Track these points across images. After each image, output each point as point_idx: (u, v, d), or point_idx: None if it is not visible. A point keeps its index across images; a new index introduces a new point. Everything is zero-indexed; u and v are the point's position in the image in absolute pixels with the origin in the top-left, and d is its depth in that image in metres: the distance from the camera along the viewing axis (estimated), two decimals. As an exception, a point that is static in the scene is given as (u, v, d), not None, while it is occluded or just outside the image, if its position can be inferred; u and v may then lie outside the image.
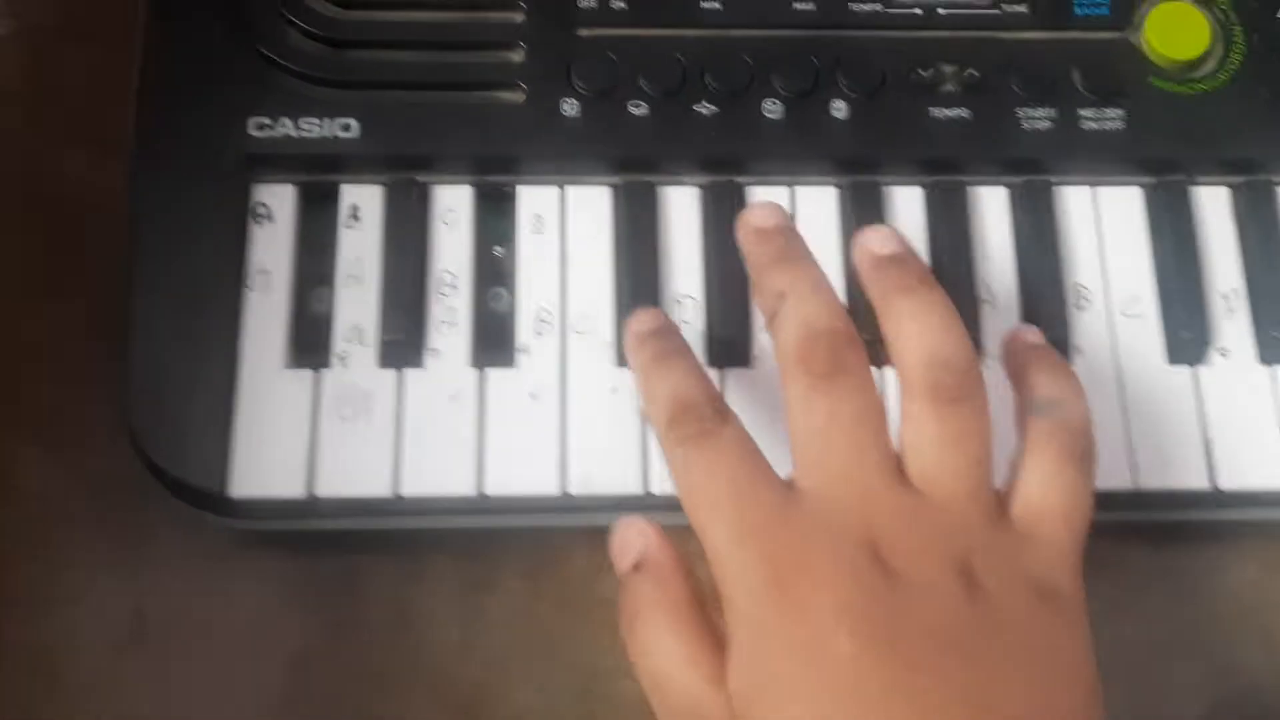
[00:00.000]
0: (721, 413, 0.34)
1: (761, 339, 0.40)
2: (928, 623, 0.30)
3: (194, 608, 0.41)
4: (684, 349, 0.36)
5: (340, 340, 0.39)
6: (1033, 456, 0.34)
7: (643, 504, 0.39)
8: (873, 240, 0.37)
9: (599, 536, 0.42)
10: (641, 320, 0.38)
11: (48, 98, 0.46)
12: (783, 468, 0.34)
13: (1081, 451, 0.34)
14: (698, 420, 0.33)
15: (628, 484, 0.39)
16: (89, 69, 0.46)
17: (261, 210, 0.41)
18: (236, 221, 0.40)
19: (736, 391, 0.40)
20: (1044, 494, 0.33)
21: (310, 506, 0.38)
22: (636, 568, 0.34)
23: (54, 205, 0.45)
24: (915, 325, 0.34)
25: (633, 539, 0.34)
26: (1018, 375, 0.37)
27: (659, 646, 0.33)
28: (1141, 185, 0.43)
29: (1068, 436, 0.34)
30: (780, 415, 0.39)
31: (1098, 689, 0.31)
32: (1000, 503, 0.33)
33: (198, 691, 0.40)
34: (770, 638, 0.31)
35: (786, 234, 0.37)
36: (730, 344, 0.40)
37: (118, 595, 0.41)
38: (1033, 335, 0.38)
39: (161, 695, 0.40)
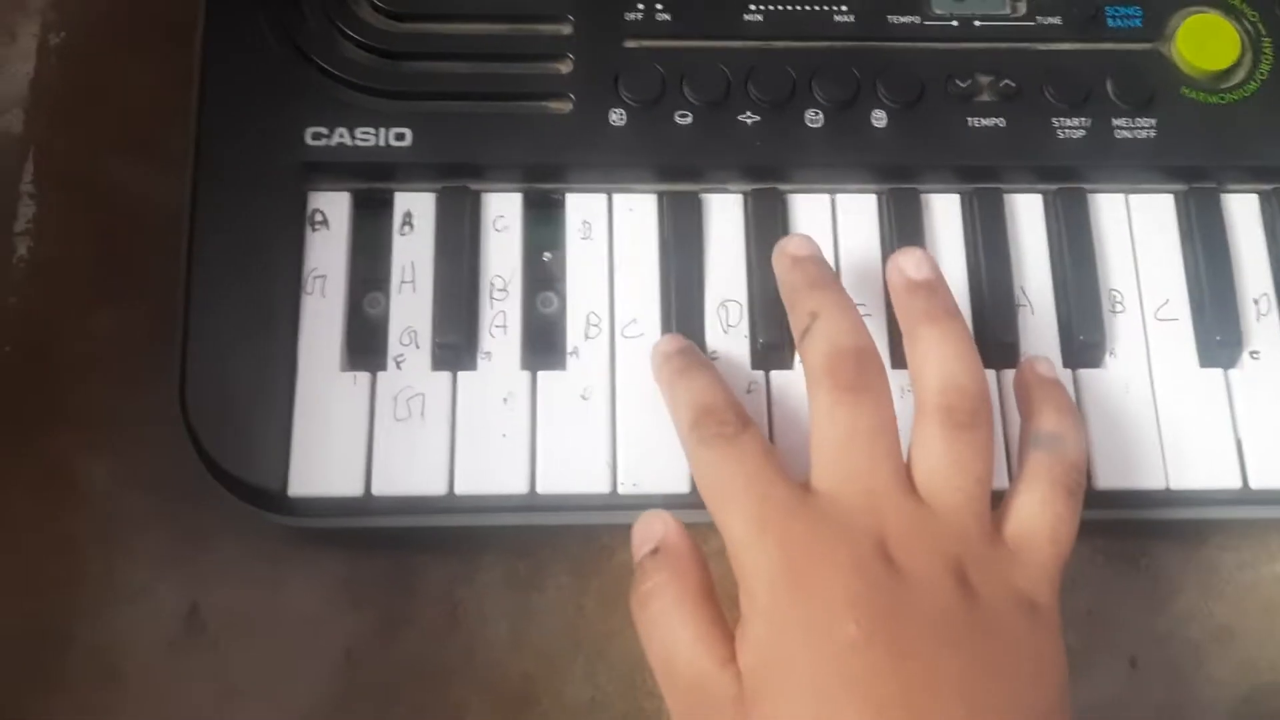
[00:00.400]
0: (741, 418, 0.37)
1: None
2: (926, 616, 0.33)
3: (249, 605, 0.42)
4: (706, 363, 0.40)
5: (395, 343, 0.41)
6: (1029, 484, 0.37)
7: (688, 502, 0.40)
8: (908, 264, 0.39)
9: (646, 535, 0.43)
10: (667, 342, 0.40)
11: (99, 107, 0.47)
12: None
13: (1072, 485, 0.37)
14: (718, 424, 0.36)
15: (674, 483, 0.40)
16: (141, 78, 0.47)
17: (318, 217, 0.42)
18: (294, 228, 0.41)
19: (779, 392, 0.41)
20: (1035, 519, 0.36)
21: (366, 505, 0.39)
22: (654, 553, 0.36)
23: (109, 212, 0.46)
24: (937, 353, 0.37)
25: (653, 527, 0.37)
26: (1025, 403, 0.39)
27: (669, 626, 0.35)
28: (1173, 192, 0.44)
29: (1062, 471, 0.37)
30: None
31: (1067, 692, 0.34)
32: (995, 520, 0.36)
33: (252, 687, 0.41)
34: (783, 621, 0.33)
35: (818, 262, 0.40)
36: (773, 347, 0.41)
37: (175, 593, 0.42)
38: (1044, 367, 0.40)
39: (217, 690, 0.41)
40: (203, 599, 0.42)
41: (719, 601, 0.36)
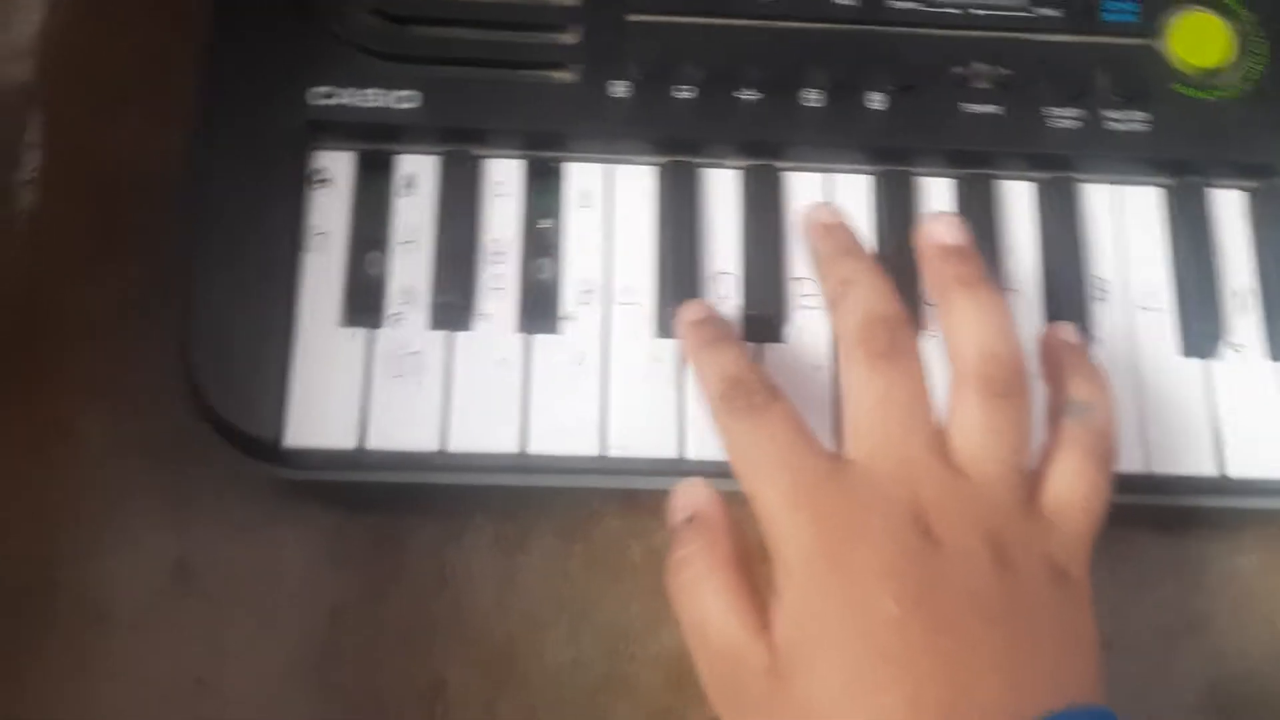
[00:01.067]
0: (770, 389, 0.36)
1: (796, 317, 0.42)
2: (963, 589, 0.33)
3: (238, 559, 0.42)
4: (732, 334, 0.40)
5: (394, 302, 0.41)
6: (1062, 453, 0.36)
7: (677, 468, 0.40)
8: (939, 229, 0.40)
9: (633, 499, 0.44)
10: (692, 310, 0.40)
11: (107, 58, 0.47)
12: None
13: (1104, 453, 0.37)
14: (747, 394, 0.36)
15: (664, 448, 0.40)
16: (151, 31, 0.47)
17: (321, 175, 0.42)
18: (296, 185, 0.42)
19: (770, 365, 0.41)
20: (1070, 488, 0.36)
21: (360, 458, 0.40)
22: (688, 521, 0.36)
23: (109, 169, 0.46)
24: (973, 319, 0.37)
25: (689, 495, 0.37)
26: (1052, 371, 0.39)
27: (703, 594, 0.35)
28: (1162, 186, 0.45)
29: (1094, 439, 0.37)
30: (810, 388, 0.41)
31: (1098, 662, 0.34)
32: (1030, 490, 0.36)
33: (237, 639, 0.42)
34: (818, 593, 0.33)
35: (849, 230, 0.40)
36: (765, 321, 0.42)
37: (164, 545, 0.42)
38: (1069, 333, 0.40)
39: (203, 641, 0.42)
40: (191, 552, 0.42)
41: (754, 571, 0.35)
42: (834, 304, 0.38)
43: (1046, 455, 0.37)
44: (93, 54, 0.48)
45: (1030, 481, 0.36)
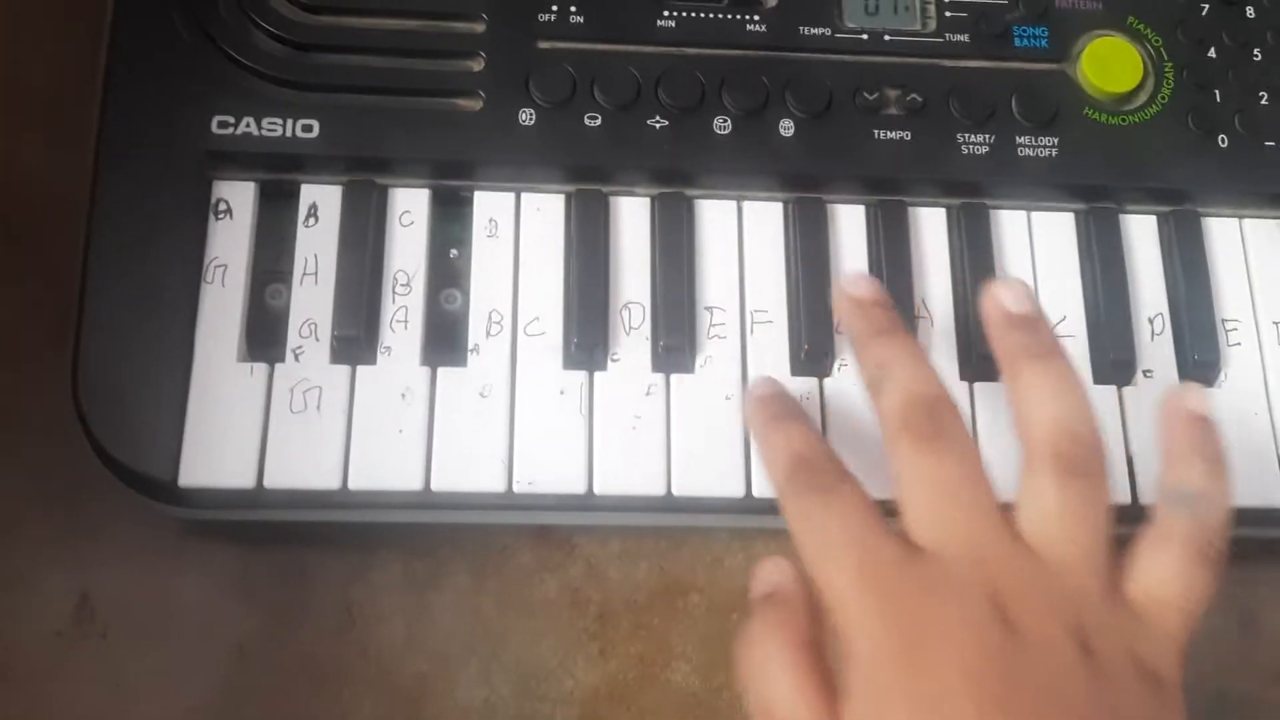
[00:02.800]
0: (839, 469, 0.35)
1: (707, 347, 0.42)
2: (1045, 684, 0.30)
3: (140, 597, 0.41)
4: (801, 412, 0.39)
5: (294, 335, 0.40)
6: (1162, 544, 0.34)
7: (585, 503, 0.40)
8: (1006, 296, 0.38)
9: (546, 534, 0.43)
10: (761, 386, 0.40)
11: (8, 84, 0.47)
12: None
13: (1209, 550, 0.34)
14: (817, 474, 0.35)
15: (573, 483, 0.40)
16: (49, 58, 0.47)
17: (222, 206, 0.42)
18: (196, 216, 0.41)
19: (679, 397, 0.41)
20: (1165, 585, 0.33)
21: (258, 497, 0.39)
22: (767, 598, 0.35)
23: (12, 192, 0.45)
24: (1045, 394, 0.35)
25: (771, 572, 0.35)
26: (1170, 442, 0.36)
27: (772, 674, 0.33)
28: (1073, 211, 0.45)
29: (1202, 536, 0.34)
30: (722, 419, 0.41)
31: None
32: (1116, 577, 0.33)
33: (140, 680, 0.41)
34: (892, 689, 0.31)
35: (885, 306, 0.38)
36: (676, 351, 0.41)
37: (64, 582, 0.41)
38: (1197, 401, 0.37)
39: (104, 682, 0.41)
40: (93, 589, 0.41)
41: (827, 658, 0.33)
42: (872, 388, 0.37)
43: (1142, 541, 0.34)
44: (4, 76, 0.47)
45: (1115, 569, 0.33)
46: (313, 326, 0.40)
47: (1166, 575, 0.33)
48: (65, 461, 0.41)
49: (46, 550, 0.42)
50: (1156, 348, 0.43)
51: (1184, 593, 0.33)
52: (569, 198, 0.43)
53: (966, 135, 0.44)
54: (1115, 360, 0.42)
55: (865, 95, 0.44)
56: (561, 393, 0.40)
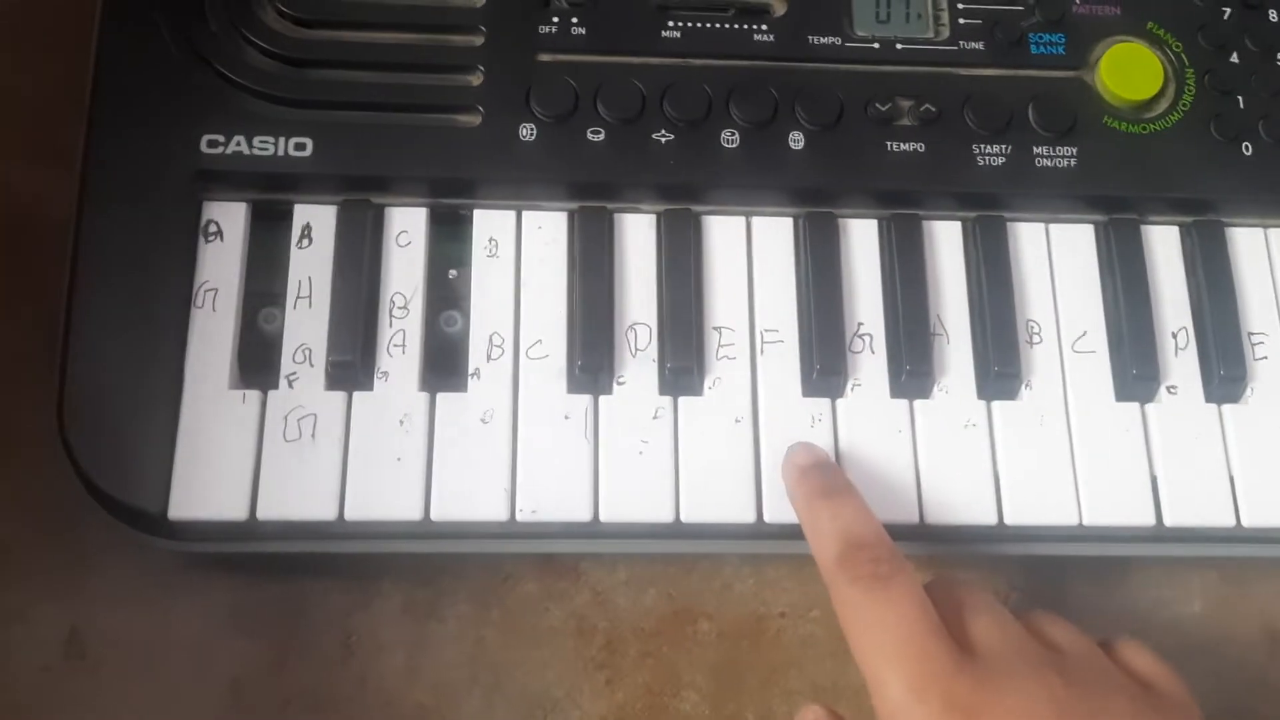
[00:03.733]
0: (895, 556, 0.35)
1: (715, 368, 0.40)
2: None
3: (131, 630, 0.40)
4: (851, 486, 0.38)
5: (288, 361, 0.39)
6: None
7: (591, 531, 0.39)
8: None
9: (551, 562, 0.42)
10: (802, 454, 0.39)
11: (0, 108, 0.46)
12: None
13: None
14: (872, 562, 0.35)
15: (577, 511, 0.38)
16: (43, 81, 0.46)
17: (212, 228, 0.40)
18: (186, 238, 0.40)
19: (687, 420, 0.40)
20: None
21: (251, 529, 0.38)
22: None
23: (4, 216, 0.44)
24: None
25: (805, 715, 0.36)
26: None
27: None
28: (1093, 223, 0.43)
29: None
30: (731, 443, 0.39)
31: None
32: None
33: (131, 716, 0.40)
34: None
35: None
36: (683, 373, 0.40)
37: (54, 616, 0.40)
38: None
39: (98, 718, 0.39)
40: (83, 623, 0.40)
41: None
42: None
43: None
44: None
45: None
46: (307, 352, 0.39)
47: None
48: (55, 492, 0.39)
49: (35, 583, 0.41)
50: (1180, 363, 0.42)
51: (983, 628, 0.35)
52: (572, 215, 0.41)
53: (982, 146, 0.42)
54: (1138, 376, 0.41)
55: (877, 106, 0.42)
56: (566, 417, 0.39)
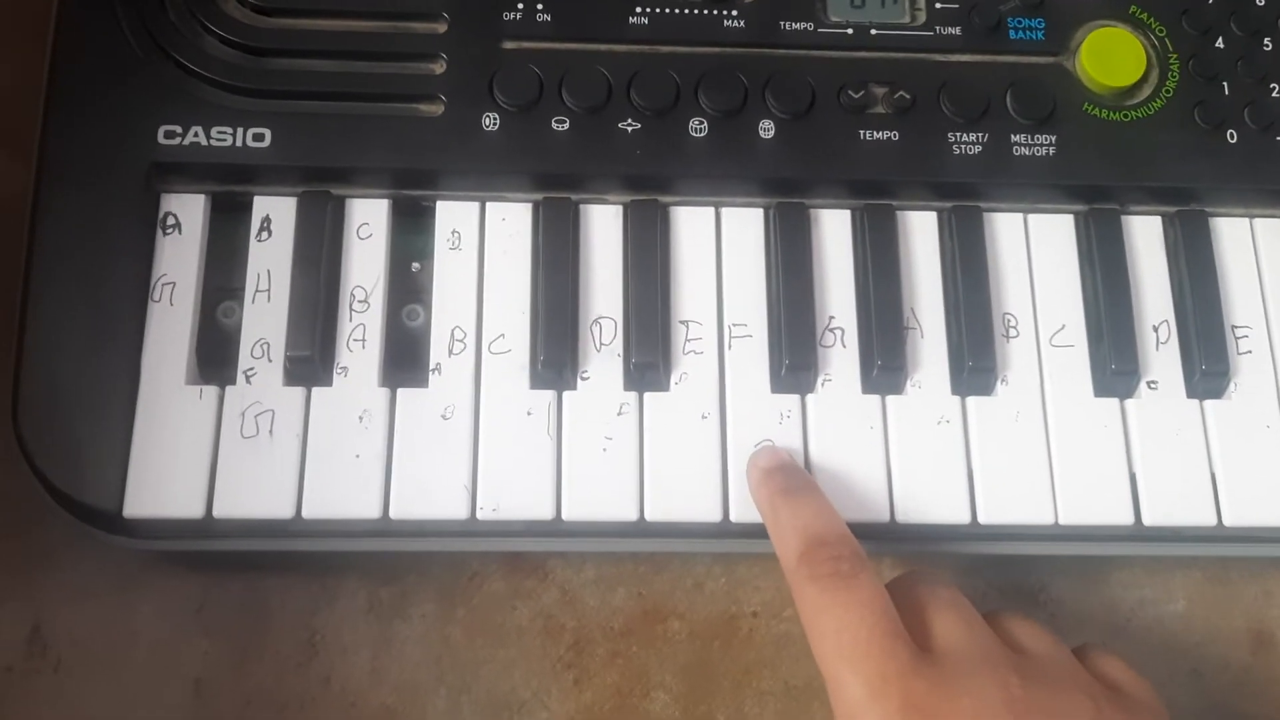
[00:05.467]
0: (857, 554, 0.34)
1: (682, 363, 0.40)
2: None
3: (93, 629, 0.40)
4: (813, 485, 0.37)
5: (246, 356, 0.38)
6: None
7: (554, 529, 0.38)
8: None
9: (518, 560, 0.41)
10: (765, 457, 0.38)
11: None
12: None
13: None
14: (832, 560, 0.34)
15: (539, 509, 0.38)
16: (8, 69, 0.45)
17: (170, 220, 0.40)
18: (143, 231, 0.39)
19: (653, 417, 0.39)
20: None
21: (208, 527, 0.37)
22: (774, 468, 0.36)
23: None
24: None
25: (766, 455, 0.37)
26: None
27: None
28: (1073, 213, 0.42)
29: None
30: (698, 438, 0.39)
31: None
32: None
33: (94, 714, 0.39)
34: None
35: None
36: (649, 368, 0.39)
37: (15, 614, 0.40)
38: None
39: (57, 717, 0.39)
40: (45, 621, 0.40)
41: None
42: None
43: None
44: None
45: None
46: (265, 347, 0.38)
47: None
48: (14, 490, 0.39)
49: (-2, 581, 0.40)
50: (1162, 357, 0.41)
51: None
52: (536, 206, 0.41)
53: (958, 134, 0.41)
54: (1117, 371, 0.40)
55: (850, 93, 0.41)
56: (528, 414, 0.38)
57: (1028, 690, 0.32)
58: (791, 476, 0.37)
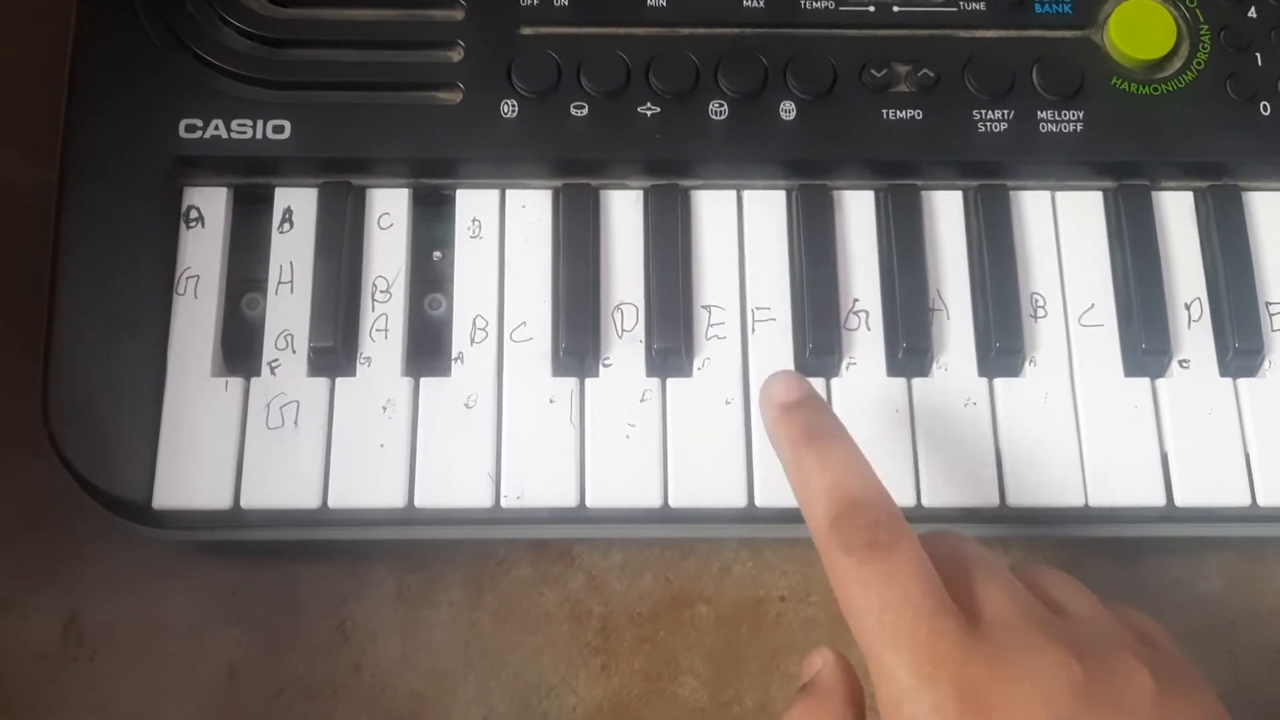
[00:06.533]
0: (896, 520, 0.31)
1: (705, 348, 0.39)
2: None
3: (128, 618, 0.40)
4: (842, 429, 0.33)
5: (270, 348, 0.39)
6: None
7: (578, 516, 0.38)
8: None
9: (545, 546, 0.41)
10: (785, 389, 0.34)
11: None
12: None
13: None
14: (869, 528, 0.30)
15: (563, 497, 0.38)
16: (22, 67, 0.45)
17: (193, 213, 0.40)
18: (167, 225, 0.39)
19: (676, 403, 0.39)
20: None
21: (236, 518, 0.37)
22: (805, 688, 0.32)
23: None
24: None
25: (814, 660, 0.33)
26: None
27: None
28: (1102, 190, 0.41)
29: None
30: (722, 425, 0.38)
31: None
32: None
33: (130, 703, 0.40)
34: None
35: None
36: (671, 354, 0.39)
37: (51, 604, 0.40)
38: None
39: (92, 705, 0.40)
40: (80, 610, 0.41)
41: None
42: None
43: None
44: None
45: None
46: (289, 338, 0.39)
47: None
48: (50, 483, 0.39)
49: (33, 572, 0.41)
50: (1194, 336, 0.40)
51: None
52: (556, 193, 0.40)
53: (984, 112, 0.41)
54: (1148, 350, 0.39)
55: (873, 72, 0.41)
56: (551, 401, 0.38)
57: (1086, 667, 0.29)
58: (815, 416, 0.33)
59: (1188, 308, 0.40)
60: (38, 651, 0.40)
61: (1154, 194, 0.41)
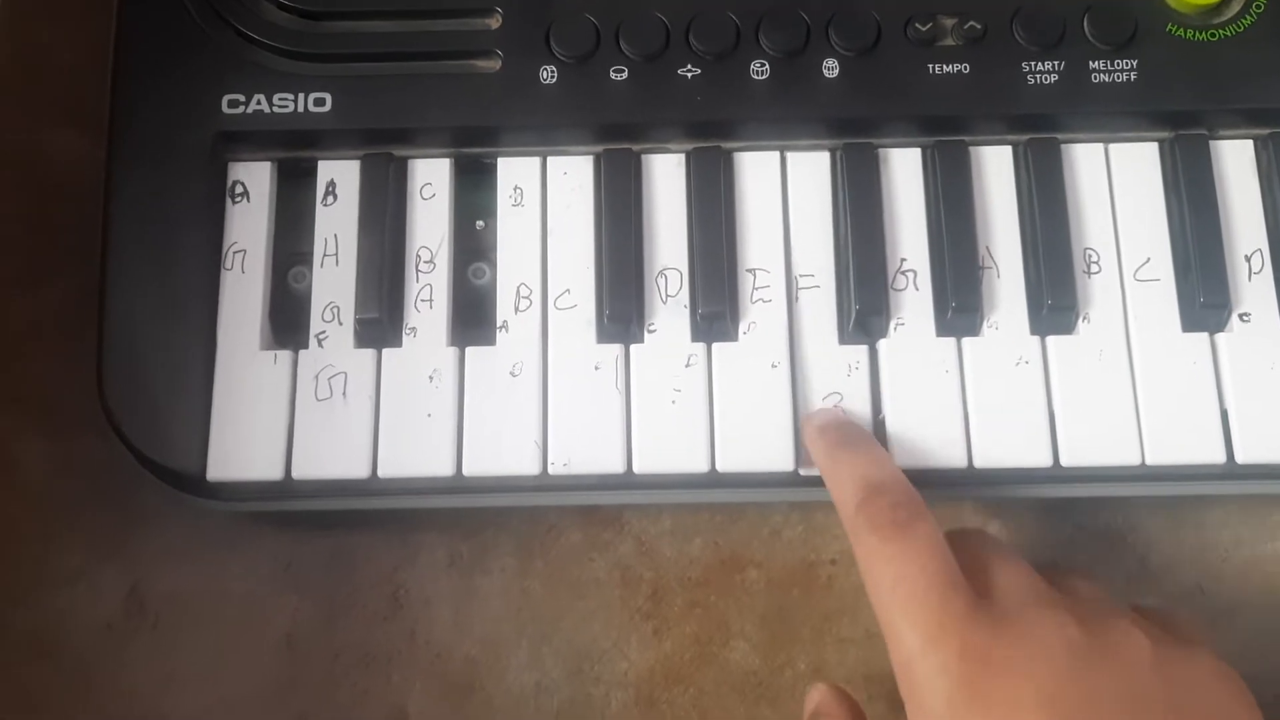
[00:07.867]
0: (916, 502, 0.34)
1: (750, 312, 0.39)
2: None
3: (188, 587, 0.41)
4: (869, 436, 0.37)
5: (318, 320, 0.39)
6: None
7: (626, 482, 0.38)
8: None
9: (594, 512, 0.42)
10: (819, 416, 0.38)
11: (29, 77, 0.46)
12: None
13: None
14: (891, 508, 0.33)
15: (610, 463, 0.38)
16: (72, 47, 0.46)
17: (238, 189, 0.40)
18: (212, 200, 0.40)
19: (721, 367, 0.38)
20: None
21: (288, 488, 0.38)
22: (812, 716, 0.36)
23: (39, 186, 0.45)
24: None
25: (812, 695, 0.36)
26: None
27: None
28: (1157, 140, 0.40)
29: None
30: (768, 388, 0.38)
31: None
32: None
33: (191, 670, 0.41)
34: None
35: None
36: (716, 318, 0.39)
37: (114, 575, 0.41)
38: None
39: (155, 673, 0.41)
40: (142, 581, 0.42)
41: None
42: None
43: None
44: (19, 70, 0.46)
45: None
46: (336, 310, 0.39)
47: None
48: (111, 457, 0.40)
49: (95, 544, 0.42)
50: (1255, 288, 0.39)
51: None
52: (597, 159, 0.40)
53: (1033, 63, 0.40)
54: (1206, 304, 0.38)
55: (917, 26, 0.40)
56: (596, 368, 0.38)
57: (1084, 629, 0.31)
58: (846, 430, 0.37)
59: (1248, 259, 0.39)
60: (103, 622, 0.41)
61: (1212, 143, 0.40)
